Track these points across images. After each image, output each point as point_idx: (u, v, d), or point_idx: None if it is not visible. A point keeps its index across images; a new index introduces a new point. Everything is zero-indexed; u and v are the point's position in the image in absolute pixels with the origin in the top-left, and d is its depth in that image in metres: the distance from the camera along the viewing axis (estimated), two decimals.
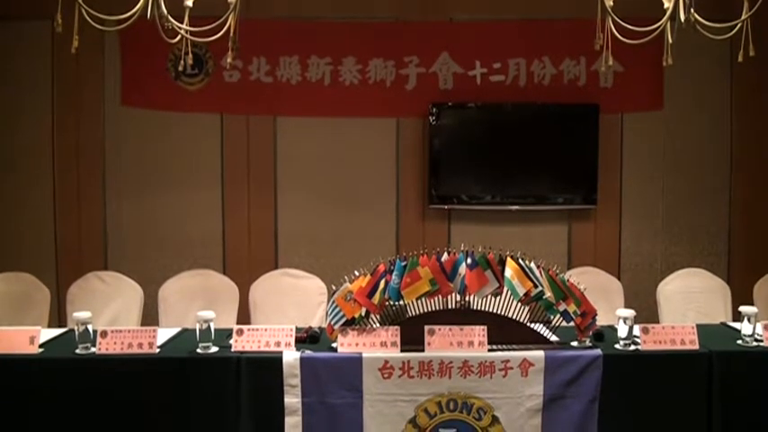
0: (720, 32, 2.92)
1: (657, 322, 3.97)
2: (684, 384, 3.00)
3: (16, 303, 3.96)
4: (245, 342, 3.00)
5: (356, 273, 3.10)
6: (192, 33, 2.83)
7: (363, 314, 3.01)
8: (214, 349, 3.03)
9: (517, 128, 5.24)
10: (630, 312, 3.10)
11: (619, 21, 2.85)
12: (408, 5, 5.21)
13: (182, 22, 2.72)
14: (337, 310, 3.01)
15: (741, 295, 4.09)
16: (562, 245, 5.36)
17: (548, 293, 2.98)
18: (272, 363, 2.91)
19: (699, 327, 3.11)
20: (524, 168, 5.27)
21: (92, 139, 5.20)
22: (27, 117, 5.16)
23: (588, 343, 3.11)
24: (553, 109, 5.22)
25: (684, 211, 5.38)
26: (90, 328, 3.05)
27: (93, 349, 3.00)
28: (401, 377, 2.91)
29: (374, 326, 3.03)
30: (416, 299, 3.02)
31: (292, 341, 3.01)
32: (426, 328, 2.97)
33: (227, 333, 3.12)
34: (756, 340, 3.14)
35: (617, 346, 3.08)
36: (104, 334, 3.00)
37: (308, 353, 2.95)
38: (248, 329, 3.05)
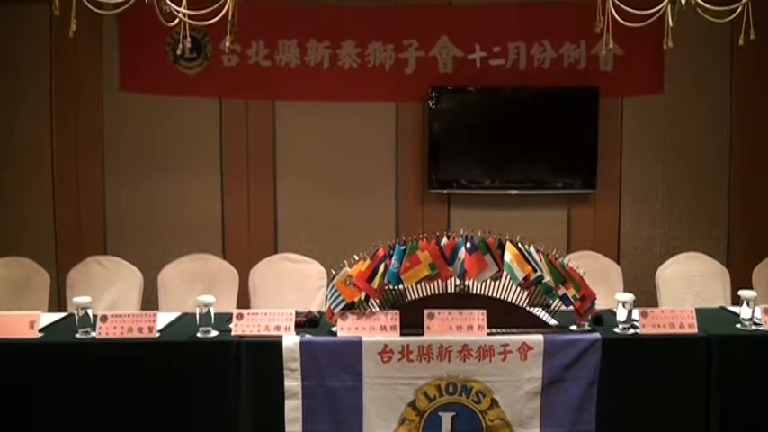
0: (721, 15, 2.91)
1: (656, 306, 3.98)
2: (683, 368, 3.01)
3: (16, 288, 3.96)
4: (245, 326, 3.01)
5: (356, 257, 3.10)
6: (190, 17, 2.82)
7: (363, 298, 3.01)
8: (214, 333, 3.03)
9: (517, 112, 5.22)
10: (629, 296, 3.11)
11: (619, 4, 2.84)
12: None
13: (180, 6, 2.71)
14: (337, 294, 3.02)
15: (740, 279, 4.09)
16: (561, 229, 5.36)
17: (547, 277, 2.99)
18: (271, 347, 2.92)
19: (698, 311, 3.11)
20: (524, 152, 5.26)
21: (90, 124, 5.18)
22: (25, 103, 5.15)
23: (587, 327, 3.12)
24: (553, 93, 5.20)
25: (684, 195, 5.38)
26: (90, 312, 3.06)
27: (92, 333, 3.00)
28: (401, 361, 2.92)
29: (374, 310, 3.04)
30: (416, 283, 3.02)
31: (292, 325, 3.02)
32: (426, 312, 2.98)
33: (227, 317, 3.13)
34: (755, 324, 3.15)
35: (616, 329, 3.09)
36: (104, 318, 3.00)
37: (308, 337, 2.96)
38: (248, 314, 3.06)
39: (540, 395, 2.94)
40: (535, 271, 2.99)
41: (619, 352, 2.99)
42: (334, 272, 3.10)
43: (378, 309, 3.05)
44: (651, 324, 3.05)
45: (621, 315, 3.09)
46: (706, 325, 3.09)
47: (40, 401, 2.92)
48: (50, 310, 3.87)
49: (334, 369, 2.91)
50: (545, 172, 5.28)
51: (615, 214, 5.39)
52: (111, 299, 3.94)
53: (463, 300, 3.06)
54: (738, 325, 3.18)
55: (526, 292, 3.12)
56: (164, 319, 3.27)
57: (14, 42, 5.10)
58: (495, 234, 3.09)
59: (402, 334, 2.95)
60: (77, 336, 3.01)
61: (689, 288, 4.11)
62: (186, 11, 2.75)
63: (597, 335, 2.99)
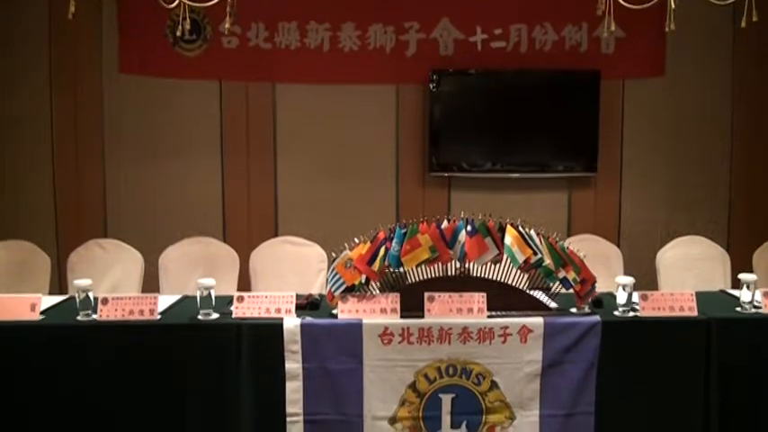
0: None
1: (657, 290, 3.98)
2: (683, 351, 3.02)
3: (17, 271, 3.97)
4: (246, 309, 3.02)
5: (356, 240, 3.10)
6: None
7: (363, 281, 3.02)
8: (215, 316, 3.04)
9: (518, 95, 5.20)
10: (629, 279, 3.11)
11: None
12: None
13: None
14: (337, 277, 3.02)
15: (740, 263, 4.09)
16: (562, 212, 5.36)
17: (547, 261, 2.99)
18: (272, 329, 2.93)
19: (698, 294, 3.12)
20: (525, 136, 5.24)
21: (90, 106, 5.16)
22: (24, 85, 5.12)
23: (587, 310, 3.12)
24: (554, 75, 5.18)
25: (685, 178, 5.37)
26: (91, 295, 3.06)
27: (93, 316, 3.01)
28: (401, 343, 2.93)
29: (374, 293, 3.04)
30: (416, 266, 3.02)
31: (293, 308, 3.03)
32: (426, 294, 2.98)
33: (228, 300, 3.14)
34: (755, 307, 3.16)
35: (616, 312, 3.10)
36: (105, 301, 3.01)
37: (309, 319, 2.97)
38: (249, 296, 3.06)
39: (540, 377, 2.95)
40: (535, 254, 2.99)
41: (619, 335, 3.00)
42: (334, 255, 3.10)
43: (378, 291, 3.06)
44: (651, 307, 3.06)
45: (621, 298, 3.10)
46: (706, 308, 3.10)
47: (40, 383, 2.93)
48: (51, 293, 3.88)
49: (335, 351, 2.92)
50: (546, 155, 5.27)
51: (616, 198, 5.39)
52: (111, 282, 3.95)
53: (463, 283, 3.06)
54: (738, 308, 3.18)
55: (526, 275, 3.12)
56: (165, 301, 3.28)
57: (13, 24, 5.07)
58: (496, 217, 3.08)
59: (402, 317, 2.95)
60: (78, 318, 3.02)
61: (689, 271, 4.11)
62: None
63: (597, 318, 2.99)
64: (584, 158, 5.24)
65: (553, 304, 3.14)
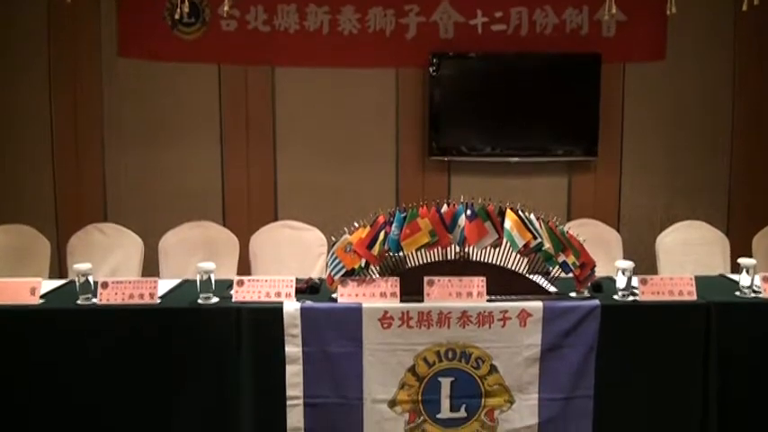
0: None
1: (656, 274, 3.99)
2: (682, 335, 3.02)
3: (17, 255, 3.97)
4: (246, 293, 3.02)
5: (356, 224, 3.10)
6: None
7: (363, 265, 3.01)
8: (215, 300, 3.04)
9: (518, 78, 5.18)
10: (629, 264, 3.11)
11: None
12: None
13: None
14: (337, 261, 3.02)
15: (740, 247, 4.10)
16: (562, 197, 5.35)
17: (547, 245, 2.99)
18: (272, 313, 2.93)
19: (697, 278, 3.12)
20: (525, 119, 5.23)
21: (89, 90, 5.15)
22: (23, 69, 5.10)
23: (586, 294, 3.13)
24: (555, 59, 5.16)
25: (685, 162, 5.37)
26: (90, 279, 3.06)
27: (94, 300, 3.01)
28: (401, 327, 2.93)
29: (374, 277, 3.04)
30: (416, 250, 3.02)
31: (292, 292, 3.03)
32: (426, 278, 2.98)
33: (228, 284, 3.14)
34: (754, 292, 3.16)
35: (615, 297, 3.10)
36: (105, 285, 3.01)
37: (309, 303, 2.97)
38: (249, 280, 3.07)
39: (539, 361, 2.95)
40: (535, 238, 2.99)
41: (618, 319, 3.00)
42: (334, 239, 3.10)
43: (378, 276, 3.06)
44: (650, 291, 3.06)
45: (621, 282, 3.10)
46: (705, 292, 3.10)
47: (40, 367, 2.93)
48: (51, 277, 3.89)
49: (335, 335, 2.93)
50: (546, 139, 5.26)
51: (616, 182, 5.39)
52: (111, 266, 3.95)
53: (463, 267, 3.06)
54: (737, 292, 3.18)
55: (526, 260, 3.12)
56: (164, 285, 3.28)
57: (11, 7, 5.04)
58: (496, 201, 3.08)
59: (402, 301, 2.96)
60: (78, 302, 3.02)
61: (689, 256, 4.11)
62: None
63: (596, 302, 2.99)
64: (584, 142, 5.23)
65: (552, 288, 3.15)
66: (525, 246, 2.98)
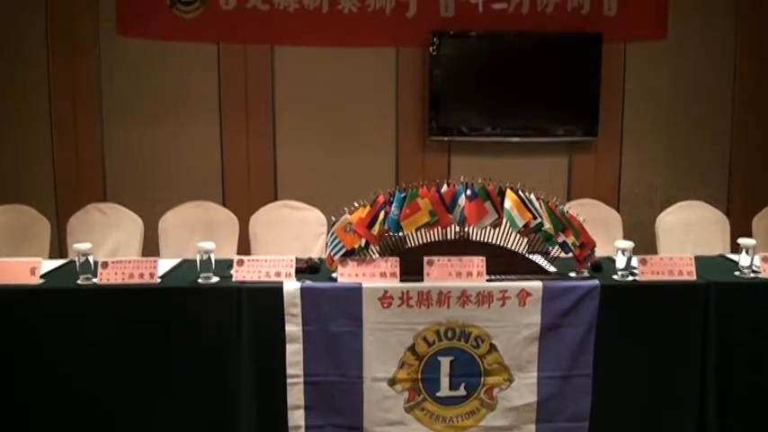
0: None
1: (656, 254, 3.99)
2: (681, 315, 3.03)
3: (17, 235, 3.97)
4: (246, 272, 3.02)
5: (356, 204, 3.09)
6: None
7: (363, 245, 3.01)
8: (215, 280, 3.05)
9: (519, 57, 5.16)
10: (629, 244, 3.11)
11: None
12: None
13: None
14: (337, 241, 3.02)
15: (740, 228, 4.10)
16: (562, 177, 5.35)
17: (547, 225, 2.99)
18: (272, 292, 2.94)
19: (697, 258, 3.12)
20: (525, 99, 5.22)
21: (88, 70, 5.13)
22: (21, 48, 5.08)
23: (586, 274, 3.13)
24: (555, 38, 5.13)
25: (685, 143, 5.36)
26: (90, 259, 3.06)
27: (94, 280, 3.01)
28: (400, 306, 2.94)
29: (374, 256, 3.04)
30: (416, 230, 3.02)
31: (292, 271, 3.03)
32: (425, 258, 2.99)
33: (228, 264, 3.14)
34: (754, 272, 3.16)
35: (615, 276, 3.10)
36: (105, 264, 3.01)
37: (309, 283, 2.98)
38: (248, 260, 3.07)
39: (539, 340, 2.97)
40: (535, 218, 2.99)
41: (617, 299, 3.00)
42: (334, 219, 3.10)
43: (378, 255, 3.06)
44: (650, 271, 3.06)
45: (621, 262, 3.10)
46: (705, 272, 3.10)
47: (41, 347, 2.94)
48: (51, 257, 3.89)
49: (335, 314, 2.94)
50: (546, 119, 5.25)
51: (616, 162, 5.38)
52: (111, 246, 3.96)
53: (463, 246, 3.07)
54: (737, 273, 3.19)
55: (526, 240, 3.12)
56: (164, 265, 3.28)
57: None
58: (496, 181, 3.07)
59: (402, 280, 2.96)
60: (78, 282, 3.02)
61: (688, 236, 4.12)
62: None
63: (596, 282, 3.00)
64: (584, 122, 5.21)
65: (552, 268, 3.15)
66: (525, 226, 2.98)
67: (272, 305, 2.93)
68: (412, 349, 2.98)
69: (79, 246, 3.07)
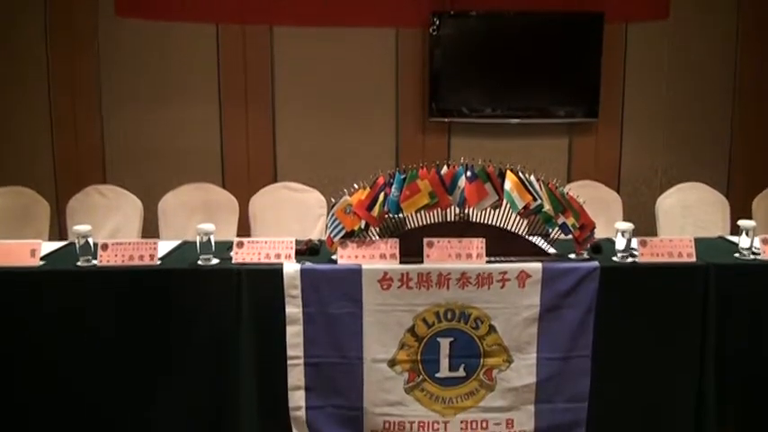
0: None
1: (656, 236, 3.99)
2: (681, 296, 3.03)
3: (16, 217, 3.97)
4: (246, 254, 3.02)
5: (355, 186, 3.09)
6: None
7: (363, 227, 3.01)
8: (215, 261, 3.05)
9: (520, 38, 5.13)
10: (629, 225, 3.11)
11: None
12: None
13: None
14: (337, 222, 3.02)
15: (740, 209, 4.10)
16: (562, 158, 5.34)
17: (547, 206, 2.98)
18: (272, 274, 2.94)
19: (697, 240, 3.12)
20: (526, 80, 5.19)
21: (86, 50, 5.10)
22: (19, 30, 5.04)
23: (586, 255, 3.13)
24: (557, 17, 5.10)
25: (686, 124, 5.34)
26: (90, 240, 3.06)
27: (94, 262, 3.01)
28: (400, 288, 2.94)
29: (373, 238, 3.04)
30: (416, 212, 3.02)
31: (292, 253, 3.03)
32: (425, 240, 2.99)
33: (228, 245, 3.14)
34: (754, 253, 3.16)
35: (614, 258, 3.10)
36: (105, 246, 3.01)
37: (309, 264, 2.98)
38: (248, 242, 3.07)
39: (538, 322, 2.97)
40: (535, 200, 2.98)
41: (617, 280, 3.01)
42: (333, 200, 3.10)
43: (378, 237, 3.06)
44: (650, 253, 3.06)
45: (620, 244, 3.10)
46: (705, 254, 3.10)
47: (40, 329, 2.95)
48: (51, 239, 3.89)
49: (335, 296, 2.94)
50: (547, 100, 5.22)
51: (617, 144, 5.36)
52: (111, 228, 3.96)
53: (463, 228, 3.06)
54: (737, 254, 3.19)
55: (526, 221, 3.12)
56: (164, 247, 3.28)
57: None
58: (496, 163, 3.07)
59: (402, 262, 2.96)
60: (78, 264, 3.03)
61: (688, 218, 4.12)
62: None
63: (596, 263, 3.00)
64: (585, 103, 5.19)
65: (552, 250, 3.15)
66: (525, 207, 2.98)
67: (272, 287, 2.93)
68: (412, 330, 2.98)
69: (79, 228, 3.07)
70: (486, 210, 3.05)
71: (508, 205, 2.99)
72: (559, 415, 3.04)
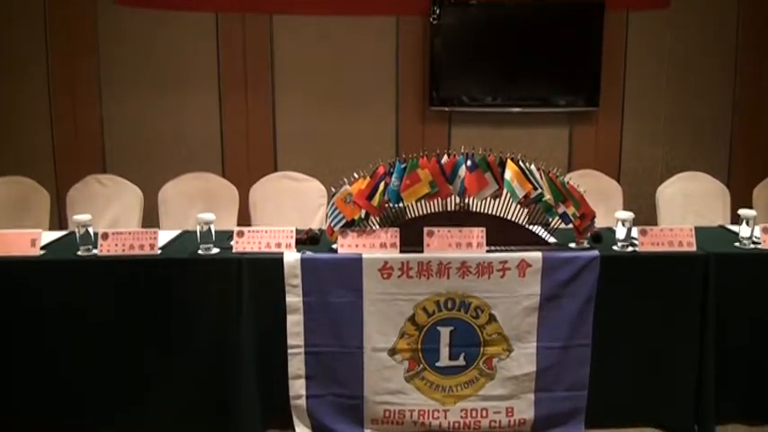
0: None
1: (656, 225, 3.99)
2: (681, 286, 3.03)
3: (16, 207, 3.97)
4: (246, 243, 3.03)
5: (356, 175, 3.09)
6: None
7: (363, 216, 3.02)
8: (215, 251, 3.05)
9: (520, 26, 5.10)
10: (629, 215, 3.11)
11: None
12: None
13: None
14: (337, 212, 3.02)
15: (740, 199, 4.09)
16: (563, 147, 5.33)
17: (547, 195, 2.98)
18: (273, 264, 2.94)
19: (697, 229, 3.12)
20: (527, 69, 5.17)
21: (86, 39, 5.07)
22: (18, 19, 5.01)
23: (586, 244, 3.13)
24: (557, 6, 5.07)
25: (686, 113, 5.33)
26: (90, 230, 3.07)
27: (94, 251, 3.02)
28: (400, 277, 2.95)
29: (374, 227, 3.04)
30: (416, 201, 3.02)
31: (293, 242, 3.03)
32: (426, 229, 2.99)
33: (228, 235, 3.14)
34: (754, 243, 3.16)
35: (615, 247, 3.11)
36: (105, 236, 3.01)
37: (309, 254, 2.98)
38: (249, 231, 3.07)
39: (538, 311, 2.98)
40: (535, 189, 2.98)
41: (617, 269, 3.01)
42: (334, 189, 3.10)
43: (378, 226, 3.06)
44: (650, 242, 3.06)
45: (621, 233, 3.10)
46: (705, 243, 3.11)
47: (41, 318, 2.95)
48: (51, 228, 3.89)
49: (335, 285, 2.94)
50: (547, 89, 5.21)
51: (617, 133, 5.35)
52: (111, 217, 3.95)
53: (463, 217, 3.07)
54: (737, 244, 3.19)
55: (526, 210, 3.12)
56: (165, 236, 3.28)
57: None
58: (496, 152, 3.06)
59: (402, 251, 2.97)
60: (79, 253, 3.03)
61: (689, 207, 4.12)
62: None
63: (596, 252, 3.00)
64: (585, 92, 5.18)
65: (552, 239, 3.15)
66: (525, 196, 2.98)
67: (273, 276, 2.94)
68: (412, 319, 2.99)
69: (79, 217, 3.07)
70: (486, 199, 3.05)
71: (508, 194, 2.99)
72: (559, 403, 3.05)
